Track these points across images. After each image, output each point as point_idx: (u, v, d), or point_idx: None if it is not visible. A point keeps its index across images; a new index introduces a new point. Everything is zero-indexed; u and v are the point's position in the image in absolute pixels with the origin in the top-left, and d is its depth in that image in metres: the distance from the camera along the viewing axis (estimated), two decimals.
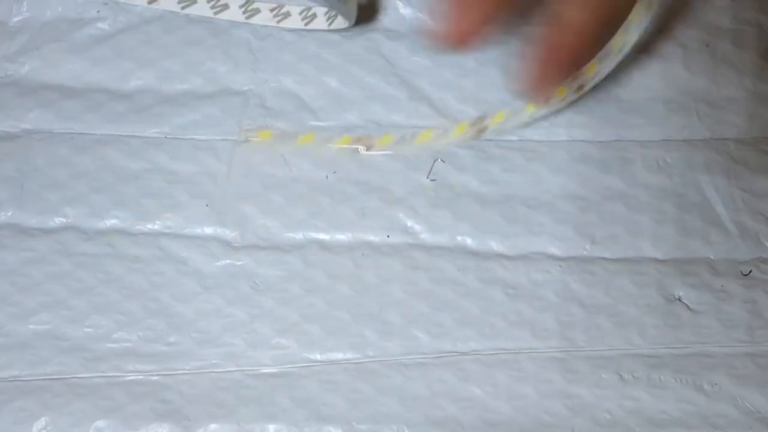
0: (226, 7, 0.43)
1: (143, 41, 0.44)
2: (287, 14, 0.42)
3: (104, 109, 0.43)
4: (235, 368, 0.38)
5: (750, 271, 0.40)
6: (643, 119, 0.42)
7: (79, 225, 0.41)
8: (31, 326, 0.39)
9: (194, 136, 0.42)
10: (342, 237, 0.41)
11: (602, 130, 0.42)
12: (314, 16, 0.42)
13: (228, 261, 0.40)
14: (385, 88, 0.43)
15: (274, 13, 0.42)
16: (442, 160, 0.41)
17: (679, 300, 0.39)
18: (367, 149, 0.41)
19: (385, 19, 0.44)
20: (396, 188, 0.41)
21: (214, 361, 0.38)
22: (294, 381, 0.38)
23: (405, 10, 0.44)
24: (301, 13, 0.42)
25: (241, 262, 0.40)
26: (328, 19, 0.41)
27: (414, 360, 0.38)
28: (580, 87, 0.40)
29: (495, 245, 0.40)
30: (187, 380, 0.38)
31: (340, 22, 0.42)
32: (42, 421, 0.37)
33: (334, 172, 0.41)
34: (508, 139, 0.42)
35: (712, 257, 0.40)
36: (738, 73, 0.43)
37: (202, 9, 0.43)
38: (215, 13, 0.43)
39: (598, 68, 0.39)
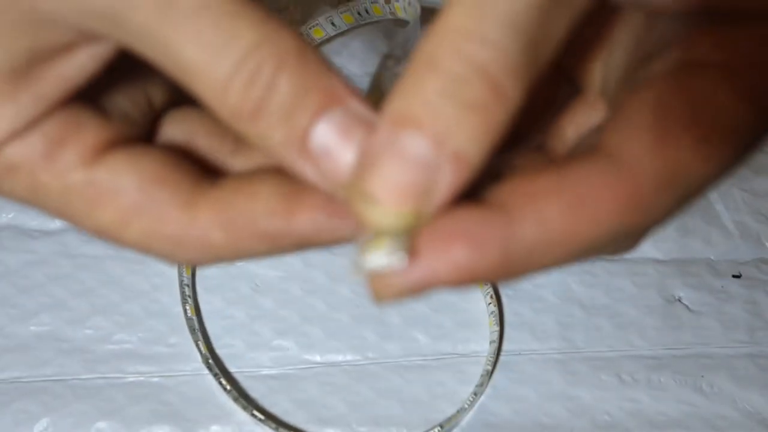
0: None
1: None
2: None
3: None
4: (235, 369, 0.38)
5: (750, 272, 0.40)
6: None
7: None
8: (31, 327, 0.39)
9: None
10: None
11: None
12: None
13: None
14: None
15: None
16: None
17: (679, 301, 0.39)
18: None
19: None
20: None
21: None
22: (294, 383, 0.38)
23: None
24: None
25: (241, 263, 0.40)
26: None
27: (414, 362, 0.38)
28: None
29: None
30: (187, 381, 0.38)
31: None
32: (43, 423, 0.37)
33: None
34: None
35: (712, 257, 0.40)
36: None
37: None
38: None
39: None
